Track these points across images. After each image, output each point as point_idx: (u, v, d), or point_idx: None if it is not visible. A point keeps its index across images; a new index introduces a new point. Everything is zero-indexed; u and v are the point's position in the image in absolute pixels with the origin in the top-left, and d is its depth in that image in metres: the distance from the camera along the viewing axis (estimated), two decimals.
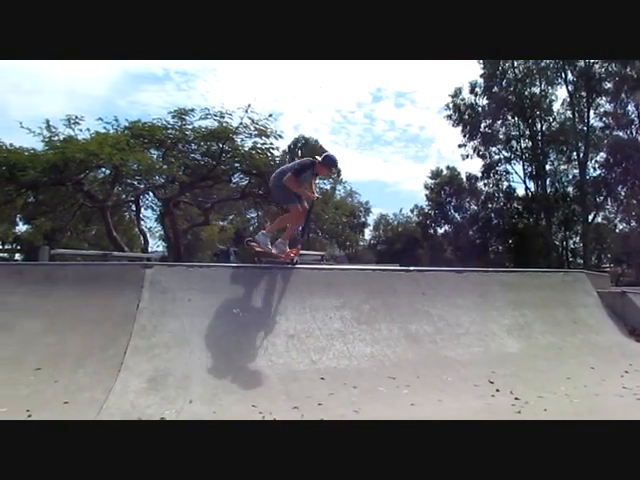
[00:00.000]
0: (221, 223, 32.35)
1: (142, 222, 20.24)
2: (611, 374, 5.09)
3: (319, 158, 5.86)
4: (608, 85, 28.74)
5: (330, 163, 5.96)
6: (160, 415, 3.54)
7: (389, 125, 68.62)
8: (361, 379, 4.46)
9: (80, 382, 3.88)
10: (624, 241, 30.23)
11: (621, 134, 29.44)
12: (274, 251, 5.91)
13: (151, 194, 18.20)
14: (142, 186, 16.59)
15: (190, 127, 15.24)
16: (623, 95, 28.39)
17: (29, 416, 3.37)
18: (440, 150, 64.44)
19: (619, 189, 30.16)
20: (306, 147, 38.39)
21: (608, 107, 29.59)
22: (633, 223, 31.47)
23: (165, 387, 3.91)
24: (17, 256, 27.20)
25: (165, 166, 14.87)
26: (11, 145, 13.52)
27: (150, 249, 21.98)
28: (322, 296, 5.39)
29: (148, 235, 22.12)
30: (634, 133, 29.25)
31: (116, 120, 15.25)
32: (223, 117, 14.93)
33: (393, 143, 66.85)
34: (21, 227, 26.84)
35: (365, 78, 69.85)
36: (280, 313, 5.05)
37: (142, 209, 19.25)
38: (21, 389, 3.79)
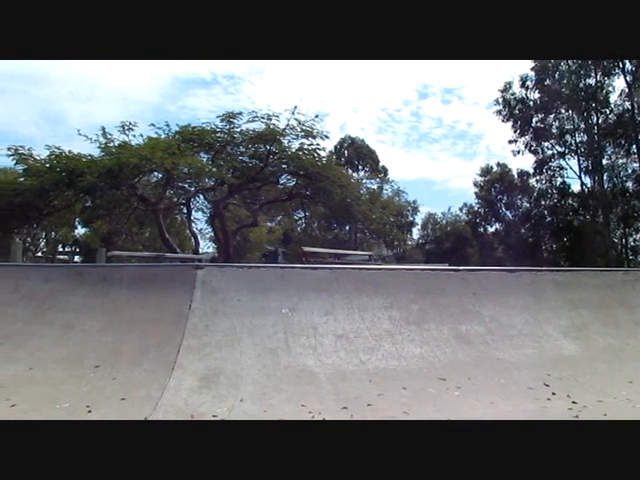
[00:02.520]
0: (269, 224, 32.80)
1: (193, 224, 20.77)
2: None
3: None
4: None
5: None
6: (212, 413, 3.62)
7: (436, 122, 67.32)
8: (411, 380, 4.41)
9: (136, 379, 4.03)
10: None
11: None
12: None
13: (201, 197, 18.68)
14: (192, 189, 17.02)
15: (238, 130, 15.50)
16: None
17: (89, 412, 3.53)
18: (489, 146, 62.63)
19: None
20: (352, 147, 38.36)
21: None
22: None
23: (217, 385, 3.99)
24: (76, 258, 28.53)
25: (214, 169, 15.18)
26: (70, 152, 14.15)
27: (201, 250, 22.54)
28: (370, 296, 5.37)
29: (199, 237, 22.66)
30: None
31: (167, 125, 15.72)
32: (270, 119, 15.13)
33: (440, 140, 65.52)
34: (80, 230, 28.15)
35: (411, 75, 68.75)
36: (328, 313, 5.06)
37: (193, 211, 19.75)
38: (81, 386, 3.98)
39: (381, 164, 39.35)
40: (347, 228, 35.29)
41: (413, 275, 6.07)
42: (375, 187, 36.78)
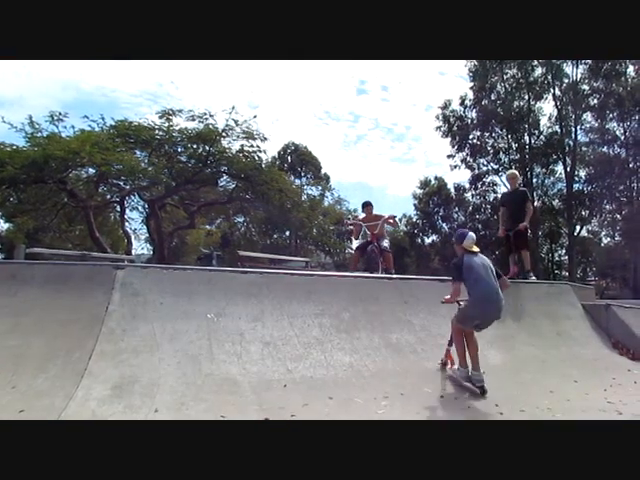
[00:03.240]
0: (208, 227, 32.13)
1: (127, 224, 19.96)
2: (595, 388, 4.98)
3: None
4: (594, 101, 29.05)
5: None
6: None
7: (374, 123, 67.53)
8: (338, 389, 4.29)
9: (40, 388, 3.66)
10: (608, 255, 30.49)
11: (605, 150, 29.74)
12: None
13: (136, 195, 17.95)
14: (127, 187, 16.33)
15: (177, 128, 15.03)
16: (607, 111, 28.69)
17: None
18: (427, 152, 63.29)
19: (604, 204, 30.42)
20: (295, 153, 38.28)
21: (593, 123, 29.92)
22: (617, 237, 31.77)
23: (130, 395, 3.70)
24: None
25: (150, 168, 14.63)
26: None
27: (135, 251, 21.71)
28: (301, 302, 5.22)
29: (133, 237, 21.80)
30: (618, 149, 29.59)
31: (102, 119, 15.06)
32: (207, 119, 14.82)
33: (377, 142, 65.44)
34: (2, 225, 26.46)
35: (348, 70, 67.29)
36: (256, 319, 4.86)
37: (127, 210, 19.02)
38: None
39: (323, 171, 39.45)
40: (287, 234, 35.09)
41: (346, 282, 5.99)
42: (317, 194, 36.84)
